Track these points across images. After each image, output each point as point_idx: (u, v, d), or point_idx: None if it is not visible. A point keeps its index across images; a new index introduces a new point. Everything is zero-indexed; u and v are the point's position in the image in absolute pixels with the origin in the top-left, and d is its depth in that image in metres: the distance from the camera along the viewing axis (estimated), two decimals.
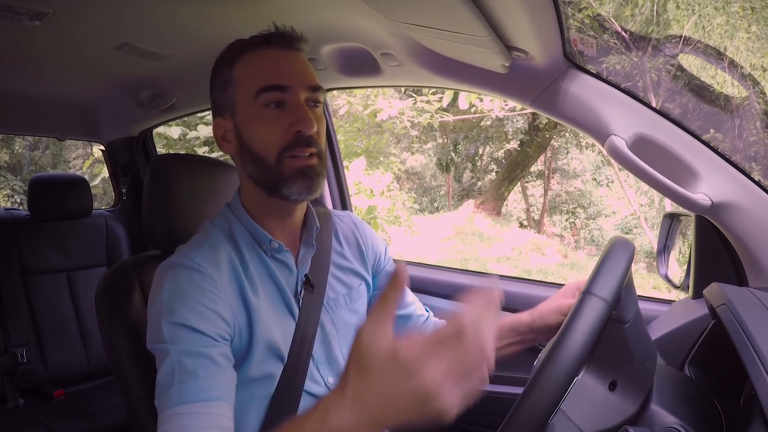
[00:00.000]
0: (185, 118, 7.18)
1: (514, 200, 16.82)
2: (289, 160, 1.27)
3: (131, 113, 3.01)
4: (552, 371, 0.87)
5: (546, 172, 16.07)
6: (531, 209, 16.31)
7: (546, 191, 15.95)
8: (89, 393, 2.97)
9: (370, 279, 1.59)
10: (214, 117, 1.38)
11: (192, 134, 7.51)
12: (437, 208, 16.47)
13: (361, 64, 2.00)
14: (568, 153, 15.88)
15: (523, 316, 1.50)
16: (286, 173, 1.27)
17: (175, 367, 1.13)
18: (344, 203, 2.85)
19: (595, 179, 15.71)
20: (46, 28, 1.74)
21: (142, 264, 1.62)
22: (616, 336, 1.01)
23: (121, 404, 1.52)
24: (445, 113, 8.98)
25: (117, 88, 2.63)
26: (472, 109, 9.35)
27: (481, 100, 8.22)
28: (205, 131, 7.49)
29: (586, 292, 0.96)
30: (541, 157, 15.74)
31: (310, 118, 1.27)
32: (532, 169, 16.30)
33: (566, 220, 15.59)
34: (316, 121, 1.29)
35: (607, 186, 15.47)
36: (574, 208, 15.74)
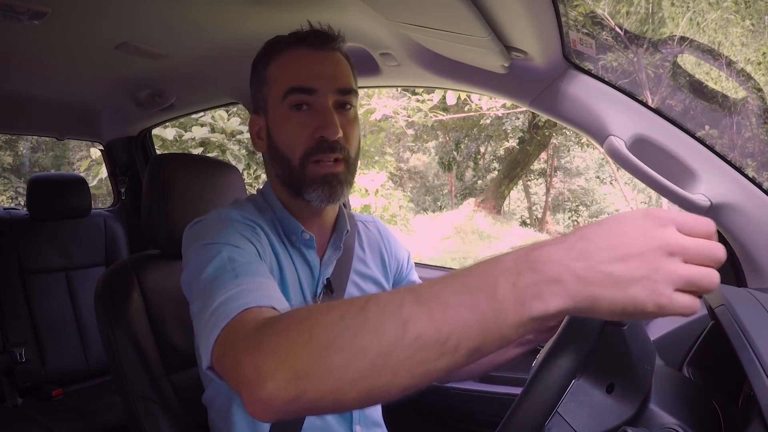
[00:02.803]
0: (181, 119, 7.25)
1: (517, 198, 16.85)
2: (312, 165, 1.26)
3: (130, 113, 3.01)
4: (549, 372, 0.86)
5: (548, 170, 16.08)
6: (534, 207, 16.34)
7: (548, 189, 15.97)
8: (88, 392, 2.97)
9: (389, 288, 1.55)
10: (252, 114, 1.40)
11: (187, 135, 7.53)
12: (440, 207, 16.51)
13: (360, 64, 1.99)
14: (569, 151, 15.93)
15: None
16: (309, 178, 1.27)
17: (227, 263, 1.05)
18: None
19: (598, 177, 15.76)
20: (45, 27, 1.74)
21: (141, 263, 1.62)
22: (614, 338, 1.01)
23: (119, 403, 1.53)
24: (438, 112, 8.98)
25: (116, 87, 2.63)
26: (466, 108, 9.35)
27: (469, 97, 8.23)
28: (200, 133, 7.52)
29: None
30: (544, 156, 15.77)
31: (334, 123, 1.25)
32: (535, 167, 16.34)
33: (569, 218, 15.63)
34: (346, 125, 1.28)
35: (611, 184, 15.53)
36: (577, 206, 15.79)
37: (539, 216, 16.01)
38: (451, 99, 7.18)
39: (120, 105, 2.90)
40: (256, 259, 1.12)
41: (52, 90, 2.66)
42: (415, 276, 1.66)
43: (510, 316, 0.66)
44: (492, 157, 16.85)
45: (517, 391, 0.92)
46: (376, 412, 1.49)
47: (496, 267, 0.69)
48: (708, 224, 0.72)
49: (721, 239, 1.48)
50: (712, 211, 1.39)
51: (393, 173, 15.11)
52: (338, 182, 1.28)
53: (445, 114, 10.39)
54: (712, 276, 0.68)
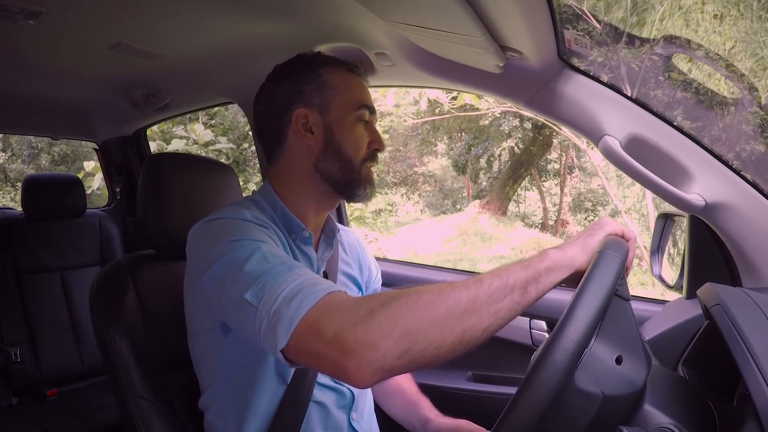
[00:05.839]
0: (165, 128, 7.44)
1: (537, 199, 16.93)
2: (366, 170, 1.48)
3: (125, 112, 3.00)
4: (546, 371, 0.86)
5: (562, 170, 16.07)
6: (555, 208, 16.38)
7: (562, 189, 15.98)
8: (82, 392, 2.97)
9: (364, 290, 1.72)
10: (290, 105, 1.45)
11: (170, 148, 7.63)
12: (459, 209, 16.71)
13: None
14: (578, 150, 15.99)
15: (429, 415, 1.67)
16: (363, 178, 1.47)
17: (269, 257, 1.14)
18: (339, 213, 2.84)
19: (619, 176, 15.76)
20: (40, 27, 1.74)
21: (136, 263, 1.62)
22: (621, 312, 1.02)
23: (114, 403, 1.52)
24: (410, 115, 8.99)
25: (111, 87, 2.62)
26: (437, 109, 9.34)
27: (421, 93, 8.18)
28: (180, 144, 7.68)
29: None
30: (563, 156, 15.81)
31: (383, 141, 1.51)
32: (552, 167, 16.38)
33: (585, 218, 15.69)
34: None
35: (633, 183, 15.55)
36: (594, 205, 15.84)
37: (554, 217, 16.07)
38: (391, 101, 7.22)
39: (115, 105, 2.89)
40: (289, 255, 1.25)
41: (47, 90, 2.65)
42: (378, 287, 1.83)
43: (537, 264, 1.04)
44: (508, 158, 16.92)
45: (512, 390, 0.92)
46: (369, 405, 1.62)
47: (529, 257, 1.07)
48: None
49: (716, 239, 1.48)
50: (707, 210, 1.39)
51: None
52: (375, 185, 1.53)
53: (415, 118, 10.44)
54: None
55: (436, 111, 11.23)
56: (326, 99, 1.45)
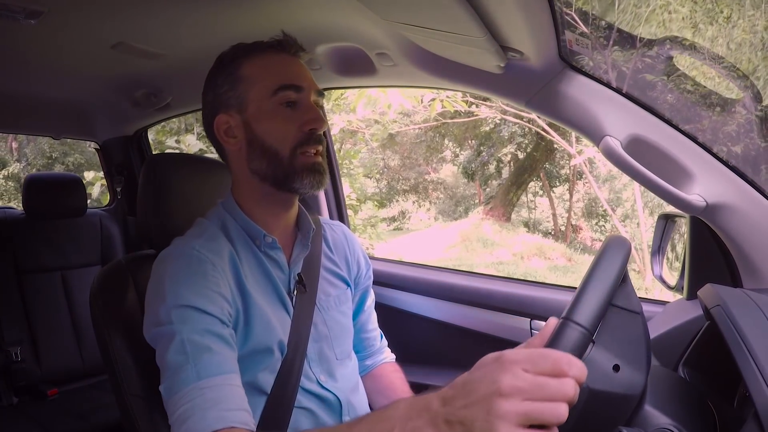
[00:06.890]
0: (162, 139, 7.71)
1: (548, 205, 16.93)
2: (301, 156, 1.35)
3: (126, 112, 3.00)
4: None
5: (571, 176, 16.07)
6: (566, 214, 16.38)
7: (571, 195, 15.97)
8: (83, 392, 2.97)
9: (353, 287, 1.65)
10: (213, 114, 1.41)
11: None
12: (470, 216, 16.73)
13: (356, 64, 1.99)
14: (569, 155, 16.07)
15: None
16: (299, 168, 1.35)
17: (187, 346, 1.15)
18: (341, 214, 2.84)
19: (612, 181, 15.80)
20: (42, 26, 1.74)
21: (136, 263, 1.62)
22: (629, 325, 1.00)
23: (114, 403, 1.52)
24: (400, 122, 8.91)
25: (112, 86, 2.62)
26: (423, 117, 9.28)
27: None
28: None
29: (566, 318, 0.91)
30: (572, 162, 15.84)
31: (323, 118, 1.37)
32: (563, 173, 16.37)
33: (595, 223, 15.68)
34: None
35: (625, 188, 15.56)
36: (605, 211, 15.87)
37: (564, 222, 16.07)
38: (360, 111, 7.17)
39: (116, 104, 2.90)
40: (215, 329, 1.21)
41: (48, 89, 2.65)
42: (370, 290, 1.75)
43: None
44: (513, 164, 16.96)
45: None
46: (363, 406, 1.56)
47: (395, 414, 0.82)
48: (556, 362, 0.75)
49: (717, 239, 1.48)
50: (707, 211, 1.39)
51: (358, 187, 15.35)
52: (323, 171, 1.38)
53: (403, 125, 10.39)
54: (553, 410, 0.72)
55: (421, 120, 11.23)
56: (241, 95, 1.37)
